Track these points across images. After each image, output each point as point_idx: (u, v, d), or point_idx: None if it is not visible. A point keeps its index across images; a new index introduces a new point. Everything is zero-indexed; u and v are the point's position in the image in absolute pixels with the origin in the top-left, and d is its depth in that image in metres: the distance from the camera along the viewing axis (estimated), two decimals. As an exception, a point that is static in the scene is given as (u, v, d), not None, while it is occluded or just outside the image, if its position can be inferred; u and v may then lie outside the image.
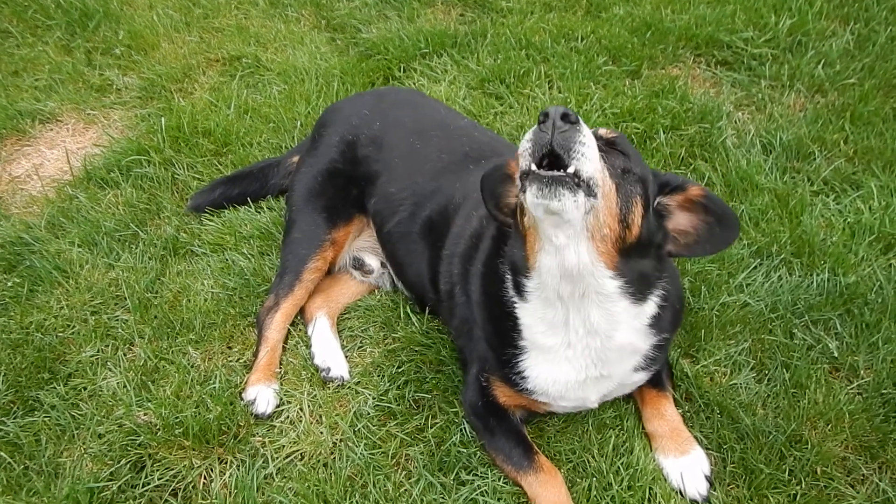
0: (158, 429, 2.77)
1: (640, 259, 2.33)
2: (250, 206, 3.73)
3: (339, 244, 3.35)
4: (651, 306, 2.46)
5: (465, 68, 4.64)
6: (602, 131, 2.32)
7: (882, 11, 5.10)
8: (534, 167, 2.07)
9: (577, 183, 2.06)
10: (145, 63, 4.82)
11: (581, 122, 2.08)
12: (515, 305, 2.53)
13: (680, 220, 2.39)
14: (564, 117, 2.03)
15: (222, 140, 4.10)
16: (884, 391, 2.93)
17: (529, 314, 2.51)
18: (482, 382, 2.73)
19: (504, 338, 2.60)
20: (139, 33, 5.00)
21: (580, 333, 2.46)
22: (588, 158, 2.05)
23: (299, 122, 4.23)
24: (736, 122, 4.33)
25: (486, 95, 4.45)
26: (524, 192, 2.11)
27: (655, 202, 2.37)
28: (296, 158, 3.64)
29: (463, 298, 2.81)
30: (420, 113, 3.50)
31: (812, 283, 3.34)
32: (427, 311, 3.22)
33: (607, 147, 2.25)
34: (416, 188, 3.19)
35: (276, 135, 4.17)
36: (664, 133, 4.13)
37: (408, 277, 3.25)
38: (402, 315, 3.23)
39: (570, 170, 2.05)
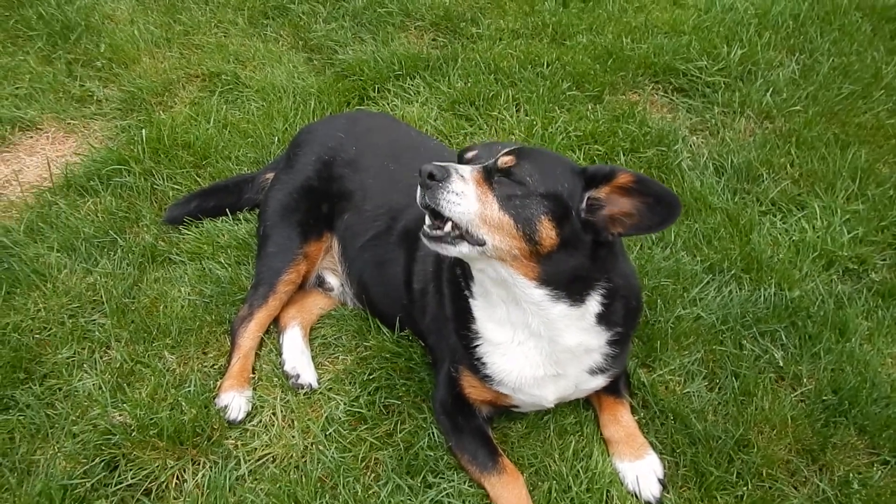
0: (133, 429, 2.82)
1: (567, 260, 2.40)
2: (228, 218, 3.80)
3: (312, 258, 3.43)
4: (594, 304, 2.52)
5: (437, 90, 4.76)
6: (502, 160, 2.38)
7: (825, 43, 5.34)
8: (425, 227, 2.32)
9: (459, 236, 2.28)
10: (126, 76, 4.86)
11: (451, 175, 2.26)
12: (469, 301, 2.68)
13: (621, 205, 2.39)
14: (430, 177, 2.24)
15: (201, 153, 4.16)
16: (824, 398, 3.09)
17: (479, 310, 2.66)
18: (452, 373, 2.82)
19: (465, 322, 2.72)
20: (120, 47, 5.04)
21: (525, 335, 2.60)
22: (459, 209, 2.25)
23: (277, 138, 4.30)
24: (691, 146, 4.49)
25: (456, 117, 4.57)
26: None
27: (585, 200, 2.41)
28: (270, 175, 3.72)
29: (436, 295, 2.92)
30: (392, 136, 3.64)
31: (760, 297, 3.50)
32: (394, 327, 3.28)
33: (503, 178, 2.36)
34: (391, 204, 3.30)
35: (254, 149, 4.24)
36: (624, 155, 4.30)
37: (373, 295, 3.32)
38: (373, 325, 3.32)
39: (447, 227, 2.26)
